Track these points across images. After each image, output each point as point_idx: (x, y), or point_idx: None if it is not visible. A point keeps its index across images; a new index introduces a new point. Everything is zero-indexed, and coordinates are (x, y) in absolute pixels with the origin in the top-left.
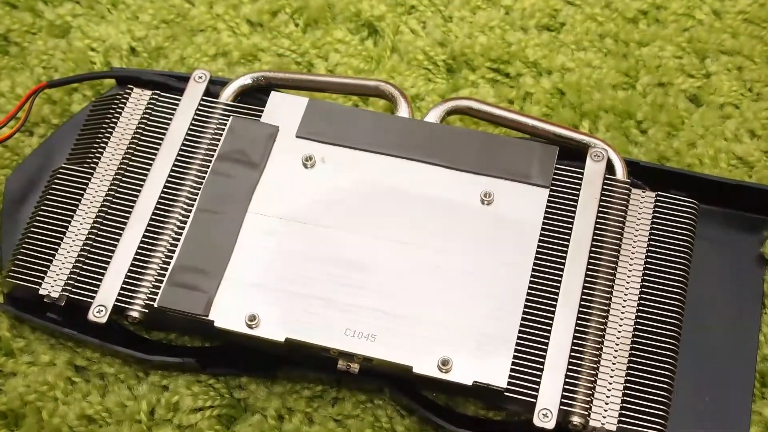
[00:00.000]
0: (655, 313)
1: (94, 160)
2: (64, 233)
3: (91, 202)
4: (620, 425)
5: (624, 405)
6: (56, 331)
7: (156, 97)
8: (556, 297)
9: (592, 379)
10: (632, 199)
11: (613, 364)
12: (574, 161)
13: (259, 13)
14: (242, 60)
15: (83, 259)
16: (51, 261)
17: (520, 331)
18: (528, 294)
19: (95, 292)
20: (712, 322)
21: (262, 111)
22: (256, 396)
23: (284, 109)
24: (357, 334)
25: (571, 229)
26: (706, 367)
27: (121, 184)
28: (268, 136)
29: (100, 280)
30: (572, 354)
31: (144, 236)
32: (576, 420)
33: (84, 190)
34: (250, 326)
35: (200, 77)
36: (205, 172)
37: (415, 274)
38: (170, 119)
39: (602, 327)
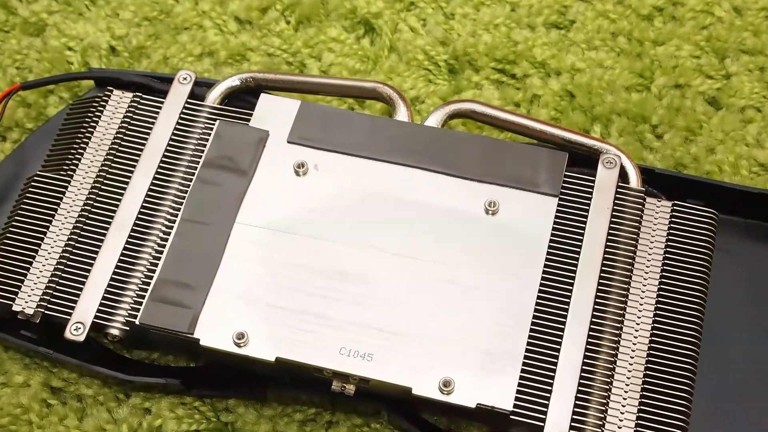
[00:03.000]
0: (672, 331)
1: (72, 166)
2: (39, 245)
3: (68, 212)
4: None
5: (638, 430)
6: (31, 350)
7: (137, 99)
8: (565, 313)
9: (604, 401)
10: (647, 208)
11: (627, 385)
12: (584, 168)
13: (248, 10)
14: (230, 60)
15: (60, 273)
16: (25, 275)
17: (526, 350)
18: (535, 310)
19: (72, 308)
20: (733, 339)
21: (250, 114)
22: (244, 419)
23: (275, 113)
24: (352, 353)
25: (581, 240)
26: (725, 388)
27: (100, 192)
28: (257, 142)
29: (78, 296)
30: (583, 374)
31: (125, 248)
32: None
33: (60, 198)
34: (238, 345)
35: (185, 78)
36: (190, 180)
37: (415, 288)
38: (153, 123)
39: (615, 345)
